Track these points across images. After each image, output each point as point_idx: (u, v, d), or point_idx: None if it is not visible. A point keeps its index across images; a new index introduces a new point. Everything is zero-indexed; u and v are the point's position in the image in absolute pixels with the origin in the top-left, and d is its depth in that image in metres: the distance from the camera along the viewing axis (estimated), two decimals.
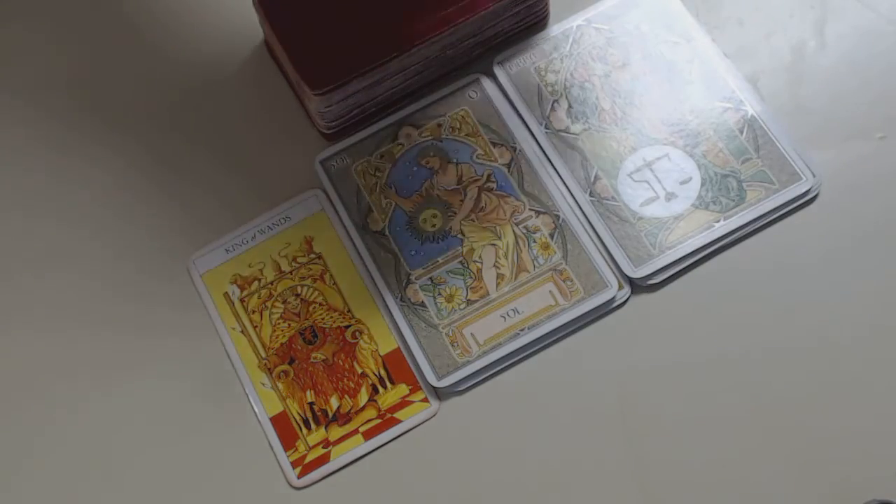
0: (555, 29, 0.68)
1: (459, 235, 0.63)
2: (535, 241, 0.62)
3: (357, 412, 0.60)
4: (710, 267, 0.62)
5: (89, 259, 0.64)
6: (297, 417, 0.60)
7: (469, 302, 0.61)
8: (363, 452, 0.59)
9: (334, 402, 0.60)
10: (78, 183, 0.66)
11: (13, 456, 0.60)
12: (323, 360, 0.61)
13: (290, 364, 0.61)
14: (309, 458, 0.59)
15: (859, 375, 0.59)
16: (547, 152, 0.64)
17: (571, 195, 0.63)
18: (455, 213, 0.63)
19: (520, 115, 0.65)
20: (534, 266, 0.62)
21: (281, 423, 0.60)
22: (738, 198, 0.62)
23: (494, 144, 0.65)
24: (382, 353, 0.61)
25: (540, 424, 0.59)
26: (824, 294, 0.60)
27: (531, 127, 0.65)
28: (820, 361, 0.59)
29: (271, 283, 0.63)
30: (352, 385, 0.61)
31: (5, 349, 0.63)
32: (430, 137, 0.65)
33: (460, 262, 0.62)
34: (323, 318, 0.62)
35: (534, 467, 0.58)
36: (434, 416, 0.59)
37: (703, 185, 0.63)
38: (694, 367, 0.59)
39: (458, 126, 0.65)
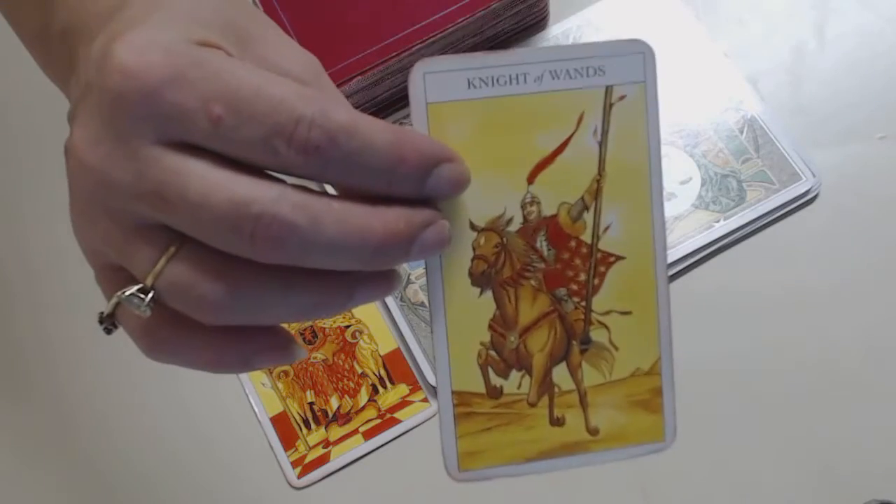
0: (555, 29, 0.68)
1: None
2: None
3: (357, 412, 0.60)
4: (710, 267, 0.62)
5: None
6: (297, 417, 0.60)
7: None
8: (363, 452, 0.59)
9: (334, 402, 0.60)
10: None
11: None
12: (323, 360, 0.61)
13: (290, 364, 0.61)
14: (309, 458, 0.59)
15: (859, 375, 0.59)
16: None
17: None
18: None
19: None
20: None
21: (281, 423, 0.60)
22: (738, 198, 0.62)
23: None
24: (382, 353, 0.61)
25: None
26: (824, 293, 0.60)
27: None
28: (820, 361, 0.59)
29: None
30: (352, 385, 0.61)
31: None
32: None
33: None
34: (323, 318, 0.62)
35: None
36: (434, 416, 0.59)
37: (703, 185, 0.63)
38: (693, 367, 0.59)
39: None
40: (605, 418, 0.35)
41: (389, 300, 0.62)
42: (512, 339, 0.34)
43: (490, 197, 0.33)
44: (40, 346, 0.63)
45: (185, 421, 0.60)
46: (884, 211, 0.62)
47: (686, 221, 0.62)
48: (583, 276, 0.34)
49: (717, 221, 0.62)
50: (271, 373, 0.61)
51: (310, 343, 0.62)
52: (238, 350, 0.32)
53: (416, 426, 0.59)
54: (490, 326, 0.34)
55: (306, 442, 0.59)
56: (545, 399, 0.35)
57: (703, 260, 0.62)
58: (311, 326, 0.62)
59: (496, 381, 0.34)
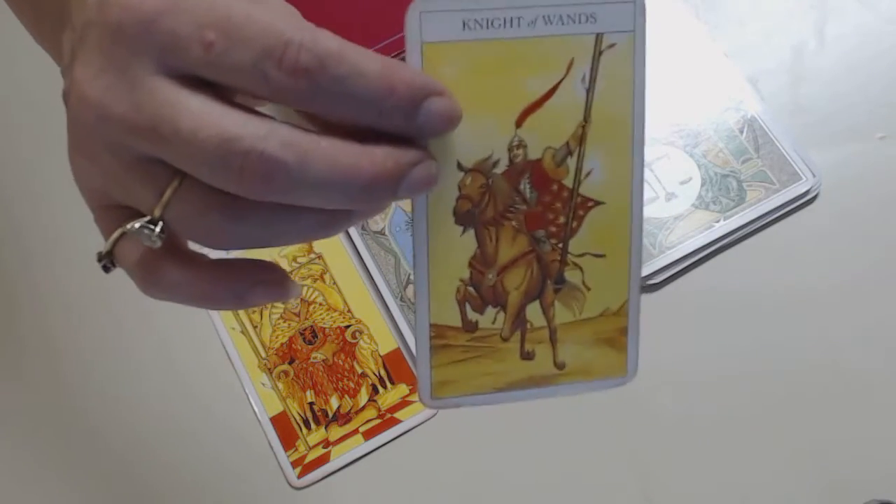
0: None
1: None
2: None
3: (357, 412, 0.60)
4: (710, 267, 0.62)
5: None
6: (297, 417, 0.60)
7: None
8: (363, 452, 0.59)
9: (334, 402, 0.60)
10: None
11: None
12: (323, 360, 0.61)
13: (290, 364, 0.61)
14: (309, 458, 0.59)
15: (859, 375, 0.59)
16: None
17: None
18: None
19: None
20: None
21: (281, 423, 0.60)
22: (738, 198, 0.62)
23: None
24: (382, 353, 0.61)
25: (540, 424, 0.59)
26: (824, 294, 0.60)
27: None
28: (820, 361, 0.59)
29: None
30: (352, 385, 0.61)
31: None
32: None
33: None
34: (323, 318, 0.62)
35: (534, 466, 0.58)
36: (434, 416, 0.59)
37: (703, 185, 0.63)
38: (694, 367, 0.59)
39: None
40: (571, 354, 0.36)
41: (389, 300, 0.62)
42: (490, 276, 0.35)
43: (479, 139, 0.33)
44: (41, 337, 0.63)
45: (185, 421, 0.60)
46: (884, 211, 0.62)
47: (686, 221, 0.62)
48: (562, 219, 0.35)
49: (717, 221, 0.62)
50: (271, 373, 0.61)
51: (310, 343, 0.62)
52: (233, 285, 0.33)
53: (416, 426, 0.59)
54: (470, 264, 0.35)
55: (306, 442, 0.59)
56: (517, 335, 0.36)
57: (703, 260, 0.62)
58: (312, 326, 0.62)
59: (472, 315, 0.35)
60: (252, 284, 0.33)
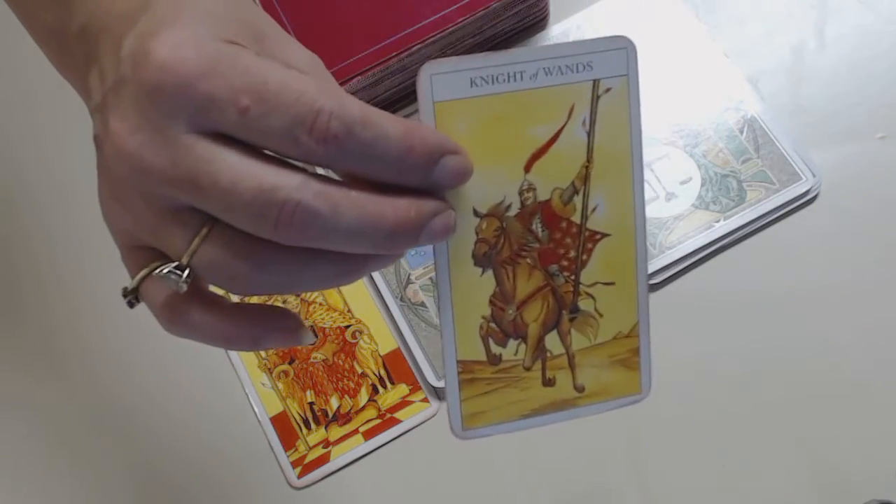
0: (555, 29, 0.68)
1: None
2: None
3: (357, 412, 0.60)
4: (710, 267, 0.62)
5: (99, 263, 0.65)
6: (297, 417, 0.60)
7: None
8: (363, 452, 0.59)
9: (334, 402, 0.60)
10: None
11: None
12: (323, 360, 0.61)
13: (290, 364, 0.61)
14: (309, 458, 0.59)
15: (859, 375, 0.59)
16: None
17: None
18: None
19: None
20: None
21: (281, 423, 0.60)
22: (739, 198, 0.62)
23: None
24: (382, 353, 0.61)
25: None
26: (824, 294, 0.60)
27: None
28: (820, 361, 0.59)
29: None
30: (352, 385, 0.61)
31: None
32: None
33: None
34: (323, 318, 0.62)
35: (534, 467, 0.58)
36: (434, 416, 0.59)
37: (703, 185, 0.63)
38: (694, 367, 0.59)
39: None
40: (589, 377, 0.39)
41: (389, 300, 0.62)
42: (510, 311, 0.38)
43: (491, 185, 0.35)
44: (41, 338, 0.63)
45: (185, 421, 0.60)
46: (884, 211, 0.62)
47: (686, 221, 0.62)
48: (573, 253, 0.38)
49: (717, 221, 0.62)
50: (271, 373, 0.61)
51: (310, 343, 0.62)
52: (252, 329, 0.35)
53: (416, 426, 0.59)
54: (491, 301, 0.37)
55: (306, 442, 0.59)
56: (538, 363, 0.38)
57: (703, 260, 0.62)
58: (312, 326, 0.62)
59: (496, 349, 0.38)
60: (269, 330, 0.35)
